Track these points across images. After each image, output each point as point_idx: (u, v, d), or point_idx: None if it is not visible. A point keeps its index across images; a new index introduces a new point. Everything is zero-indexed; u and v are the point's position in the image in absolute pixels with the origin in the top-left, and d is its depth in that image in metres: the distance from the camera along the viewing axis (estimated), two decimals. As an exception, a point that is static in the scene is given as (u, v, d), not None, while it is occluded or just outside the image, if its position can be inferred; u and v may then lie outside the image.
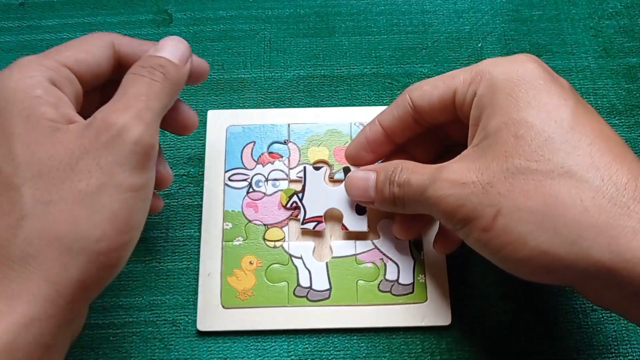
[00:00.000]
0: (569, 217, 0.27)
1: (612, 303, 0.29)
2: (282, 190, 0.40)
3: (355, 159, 0.38)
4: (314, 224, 0.39)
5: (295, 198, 0.40)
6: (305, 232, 0.40)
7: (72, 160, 0.27)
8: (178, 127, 0.35)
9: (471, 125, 0.32)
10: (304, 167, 0.40)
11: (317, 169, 0.40)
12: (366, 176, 0.36)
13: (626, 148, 0.29)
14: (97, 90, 0.33)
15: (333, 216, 0.40)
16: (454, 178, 0.30)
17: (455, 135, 0.36)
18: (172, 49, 0.32)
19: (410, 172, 0.33)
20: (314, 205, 0.39)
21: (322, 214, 0.39)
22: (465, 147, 0.32)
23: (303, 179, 0.40)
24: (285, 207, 0.40)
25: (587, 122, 0.29)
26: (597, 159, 0.28)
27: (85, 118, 0.29)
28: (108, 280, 0.29)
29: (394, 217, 0.38)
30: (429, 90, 0.34)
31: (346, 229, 0.39)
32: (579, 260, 0.27)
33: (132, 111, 0.29)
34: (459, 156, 0.32)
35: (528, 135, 0.28)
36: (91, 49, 0.31)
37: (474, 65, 0.32)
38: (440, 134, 0.37)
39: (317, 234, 0.40)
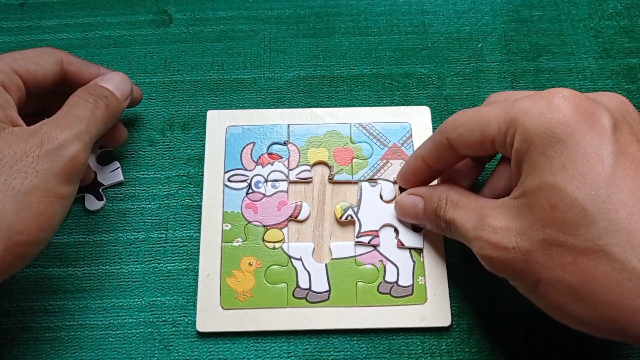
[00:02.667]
0: (607, 298, 0.27)
1: None
2: (337, 205, 0.40)
3: (407, 186, 0.39)
4: (370, 237, 0.39)
5: (350, 212, 0.40)
6: (304, 234, 0.40)
7: (13, 160, 0.31)
8: (110, 141, 0.41)
9: (513, 171, 0.31)
10: (360, 185, 0.40)
11: (372, 185, 0.40)
12: (414, 202, 0.37)
13: None
14: (36, 97, 0.38)
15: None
16: (494, 241, 0.30)
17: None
18: (118, 84, 0.37)
19: (455, 207, 0.34)
20: (369, 219, 0.40)
21: (377, 228, 0.39)
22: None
23: (359, 194, 0.40)
24: (339, 220, 0.40)
25: (627, 184, 0.27)
26: (635, 234, 0.26)
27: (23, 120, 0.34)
28: (15, 270, 0.32)
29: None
30: (465, 135, 0.33)
31: (402, 245, 0.39)
32: (622, 333, 0.27)
33: (74, 131, 0.33)
34: (500, 204, 0.31)
35: (562, 206, 0.27)
36: (42, 63, 0.36)
37: (506, 107, 0.31)
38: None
39: (316, 235, 0.40)
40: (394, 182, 0.41)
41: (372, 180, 0.41)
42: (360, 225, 0.39)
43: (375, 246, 0.39)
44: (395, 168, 0.41)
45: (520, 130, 0.30)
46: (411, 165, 0.38)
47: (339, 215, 0.40)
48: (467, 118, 0.33)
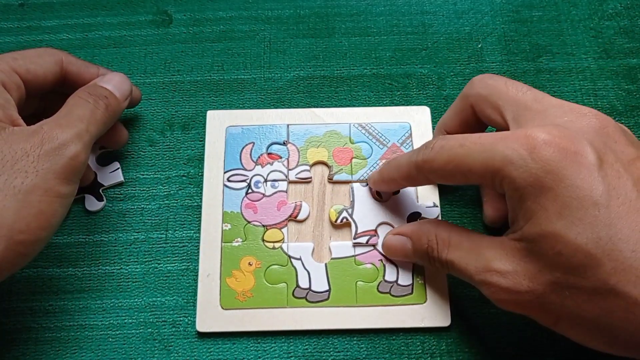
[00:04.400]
0: (622, 331, 0.28)
1: None
2: (331, 208, 0.40)
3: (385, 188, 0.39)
4: (367, 237, 0.39)
5: (345, 214, 0.40)
6: (304, 234, 0.40)
7: (13, 159, 0.31)
8: (110, 143, 0.41)
9: (509, 209, 0.31)
10: (351, 186, 0.40)
11: (364, 185, 0.40)
12: (402, 243, 0.37)
13: None
14: (36, 98, 0.38)
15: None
16: (506, 286, 0.30)
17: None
18: (118, 84, 0.38)
19: (449, 248, 0.33)
20: (365, 219, 0.40)
21: (374, 227, 0.39)
22: None
23: (351, 195, 0.40)
24: (334, 223, 0.40)
25: (625, 222, 0.27)
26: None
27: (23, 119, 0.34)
28: (16, 269, 0.32)
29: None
30: (447, 178, 0.33)
31: None
32: (635, 354, 0.29)
33: (75, 130, 0.33)
34: (499, 244, 0.31)
35: (566, 252, 0.28)
36: (42, 63, 0.36)
37: (485, 155, 0.30)
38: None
39: (316, 235, 0.40)
40: None
41: (362, 180, 0.41)
42: (356, 227, 0.39)
43: (374, 245, 0.39)
44: (395, 168, 0.41)
45: (507, 181, 0.29)
46: (392, 169, 0.37)
47: (334, 219, 0.40)
48: (447, 161, 0.32)
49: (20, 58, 0.35)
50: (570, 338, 0.30)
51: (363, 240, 0.39)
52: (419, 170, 0.33)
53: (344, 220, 0.40)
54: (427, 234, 0.35)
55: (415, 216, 0.40)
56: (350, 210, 0.40)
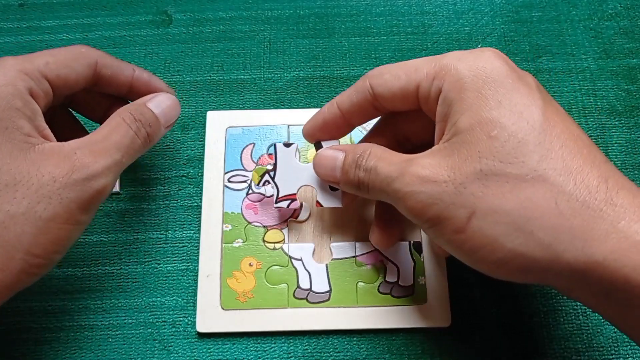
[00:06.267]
0: (545, 221, 0.27)
1: (584, 300, 0.29)
2: (253, 170, 0.39)
3: (312, 138, 0.37)
4: (288, 202, 0.38)
5: (267, 177, 0.39)
6: (304, 234, 0.40)
7: (39, 183, 0.30)
8: None
9: (438, 121, 0.31)
10: (274, 145, 0.38)
11: (287, 145, 0.38)
12: (334, 155, 0.35)
13: (594, 148, 0.29)
14: (62, 96, 0.35)
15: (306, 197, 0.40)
16: (424, 175, 0.29)
17: (412, 130, 0.36)
18: (167, 110, 0.36)
19: (379, 158, 0.32)
20: (287, 183, 0.38)
21: (295, 191, 0.38)
22: (427, 142, 0.32)
23: (274, 157, 0.38)
24: (257, 185, 0.39)
25: (557, 123, 0.29)
26: (569, 161, 0.28)
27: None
28: (27, 286, 0.31)
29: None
30: (390, 80, 0.33)
31: (320, 205, 0.37)
32: (554, 263, 0.27)
33: (109, 161, 0.32)
34: (428, 151, 0.31)
35: (501, 136, 0.28)
36: (75, 66, 0.34)
37: (436, 58, 0.32)
38: (400, 128, 0.37)
39: (316, 236, 0.40)
40: None
41: (287, 143, 0.38)
42: (277, 190, 0.38)
43: (294, 209, 0.39)
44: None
45: (452, 73, 0.30)
46: (325, 113, 0.36)
47: (256, 181, 0.39)
48: (394, 65, 0.33)
49: (53, 62, 0.33)
50: (472, 253, 0.29)
51: (284, 204, 0.38)
52: (365, 77, 0.34)
53: (266, 183, 0.39)
54: (364, 147, 0.33)
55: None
56: (272, 173, 0.38)
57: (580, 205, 0.27)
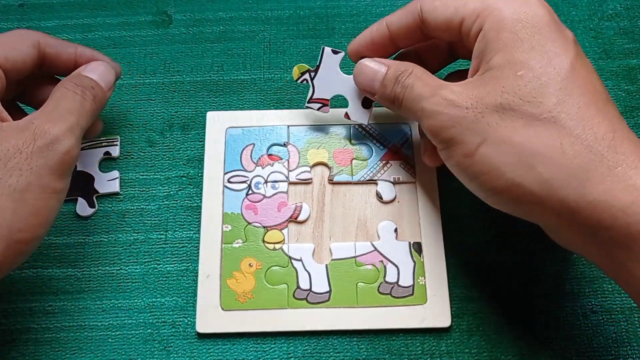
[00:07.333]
0: (547, 158, 0.29)
1: (570, 242, 0.31)
2: (295, 66, 0.40)
3: (357, 56, 0.38)
4: (319, 105, 0.40)
5: (307, 75, 0.40)
6: (304, 235, 0.40)
7: (6, 157, 0.31)
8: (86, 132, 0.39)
9: (474, 57, 0.33)
10: (323, 48, 0.40)
11: (335, 52, 0.40)
12: (377, 68, 0.37)
13: (611, 104, 0.31)
14: (14, 83, 0.36)
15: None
16: (451, 98, 0.32)
17: (461, 52, 0.38)
18: (103, 74, 0.37)
19: (417, 78, 0.34)
20: (323, 87, 0.40)
21: (329, 97, 0.40)
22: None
23: (319, 59, 0.40)
24: (295, 80, 0.40)
25: (582, 75, 0.30)
26: (583, 109, 0.29)
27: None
28: (15, 267, 0.32)
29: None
30: (440, 7, 0.34)
31: (348, 117, 0.40)
32: (548, 197, 0.29)
33: (66, 125, 0.33)
34: (463, 81, 0.33)
35: (527, 77, 0.30)
36: (20, 47, 0.35)
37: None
38: (450, 47, 0.39)
39: (316, 236, 0.40)
40: (394, 183, 0.41)
41: (335, 50, 0.40)
42: (313, 91, 0.40)
43: (325, 112, 0.40)
44: (395, 169, 0.41)
45: (495, 14, 0.31)
46: (373, 31, 0.37)
47: (295, 77, 0.40)
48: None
49: None
50: (477, 177, 0.31)
51: (315, 106, 0.40)
52: (417, 1, 0.35)
53: (304, 82, 0.40)
54: (406, 65, 0.35)
55: (370, 99, 0.39)
56: (313, 74, 0.40)
57: (584, 148, 0.29)
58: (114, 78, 0.38)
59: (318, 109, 0.40)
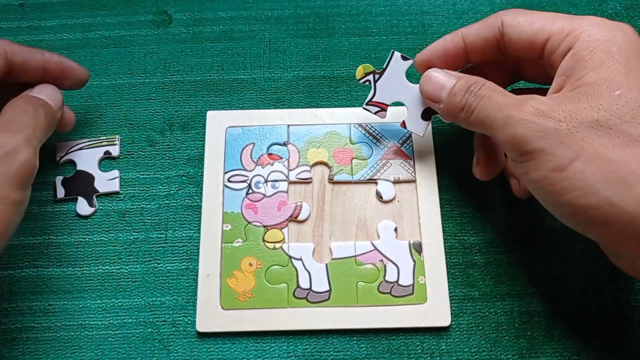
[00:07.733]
0: (636, 178, 0.28)
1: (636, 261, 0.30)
2: (360, 65, 0.39)
3: (425, 66, 0.38)
4: (377, 109, 0.39)
5: (370, 77, 0.39)
6: (304, 234, 0.40)
7: None
8: (58, 126, 0.39)
9: (559, 75, 0.32)
10: (392, 52, 0.39)
11: (404, 59, 0.39)
12: (446, 78, 0.36)
13: None
14: None
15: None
16: (542, 109, 0.30)
17: (528, 73, 0.37)
18: (50, 94, 0.37)
19: (493, 90, 0.33)
20: (385, 91, 0.39)
21: (389, 102, 0.39)
22: (539, 88, 0.33)
23: (387, 63, 0.39)
24: (358, 80, 0.39)
25: None
26: None
27: None
28: None
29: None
30: (523, 24, 0.34)
31: (405, 126, 0.39)
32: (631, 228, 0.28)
33: (23, 136, 0.33)
34: (547, 96, 0.32)
35: (625, 98, 0.29)
36: None
37: (573, 16, 0.33)
38: (515, 67, 0.38)
39: (316, 236, 0.40)
40: (394, 182, 0.41)
41: (404, 57, 0.39)
42: (374, 94, 0.39)
43: (382, 117, 0.40)
44: (395, 168, 0.41)
45: (587, 33, 0.31)
46: (447, 42, 0.37)
47: (358, 76, 0.40)
48: (530, 11, 0.34)
49: None
50: (571, 182, 0.29)
51: (372, 109, 0.39)
52: (498, 15, 0.35)
53: (367, 82, 0.39)
54: (478, 78, 0.35)
55: (430, 112, 0.39)
56: (377, 76, 0.39)
57: None
58: (61, 98, 0.38)
59: (375, 113, 0.39)
